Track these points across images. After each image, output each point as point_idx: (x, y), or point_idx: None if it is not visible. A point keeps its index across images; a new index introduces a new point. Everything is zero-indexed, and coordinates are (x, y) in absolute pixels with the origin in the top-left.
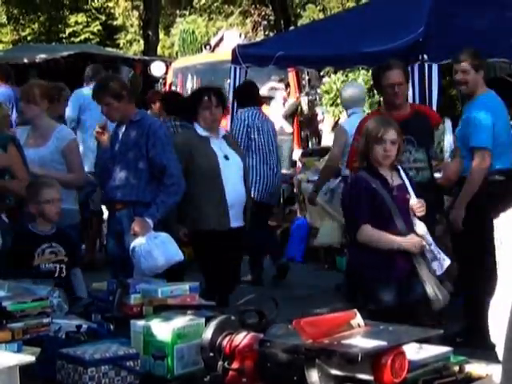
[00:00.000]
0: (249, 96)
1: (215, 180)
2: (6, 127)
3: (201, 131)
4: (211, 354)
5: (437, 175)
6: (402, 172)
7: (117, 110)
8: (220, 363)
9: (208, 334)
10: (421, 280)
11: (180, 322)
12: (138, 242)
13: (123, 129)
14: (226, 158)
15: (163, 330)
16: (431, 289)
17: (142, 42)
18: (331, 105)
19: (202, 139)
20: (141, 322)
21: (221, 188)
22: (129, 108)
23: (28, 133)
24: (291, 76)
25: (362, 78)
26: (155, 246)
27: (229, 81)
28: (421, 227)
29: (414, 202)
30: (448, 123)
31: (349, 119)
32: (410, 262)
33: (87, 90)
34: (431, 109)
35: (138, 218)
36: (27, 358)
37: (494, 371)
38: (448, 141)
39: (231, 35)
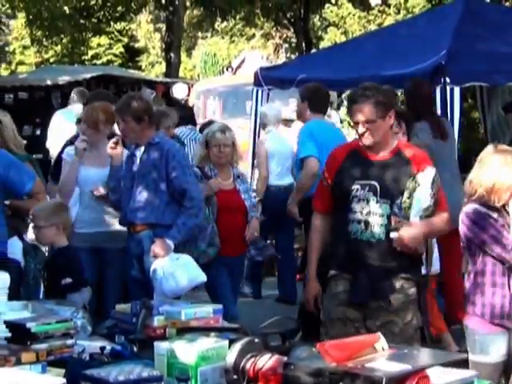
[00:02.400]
0: None
1: None
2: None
3: None
4: (235, 377)
5: (393, 235)
6: None
7: (133, 131)
8: None
9: (232, 356)
10: None
11: (204, 344)
12: (159, 264)
13: (141, 150)
14: None
15: (187, 352)
16: None
17: (163, 64)
18: (352, 127)
19: None
20: (164, 344)
21: None
22: (147, 132)
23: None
24: None
25: None
26: (177, 268)
27: (250, 103)
28: None
29: None
30: (430, 173)
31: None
32: None
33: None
34: (422, 152)
35: (158, 239)
36: (56, 380)
37: None
38: (420, 196)
39: (253, 57)
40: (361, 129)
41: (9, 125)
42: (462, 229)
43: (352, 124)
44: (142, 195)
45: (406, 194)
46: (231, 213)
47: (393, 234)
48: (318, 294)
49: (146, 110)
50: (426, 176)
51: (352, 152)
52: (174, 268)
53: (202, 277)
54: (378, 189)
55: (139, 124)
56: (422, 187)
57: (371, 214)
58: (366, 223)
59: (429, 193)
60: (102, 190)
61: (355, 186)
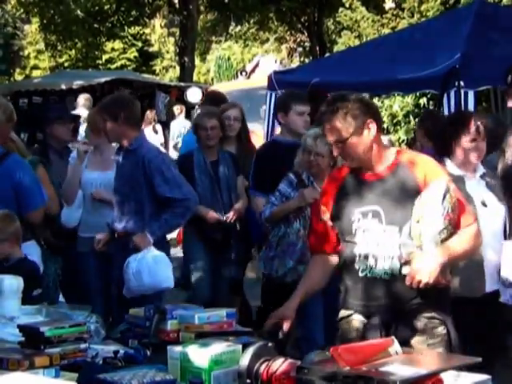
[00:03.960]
0: None
1: None
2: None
3: (454, 169)
4: (248, 381)
5: (405, 270)
6: None
7: (112, 131)
8: None
9: (245, 360)
10: None
11: (217, 348)
12: (133, 258)
13: (120, 158)
14: (484, 204)
15: (200, 356)
16: None
17: (177, 68)
18: None
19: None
20: (178, 348)
21: None
22: (128, 132)
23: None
24: None
25: (397, 104)
26: (147, 268)
27: (264, 107)
28: None
29: None
30: (438, 187)
31: None
32: None
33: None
34: (427, 160)
35: (139, 233)
36: None
37: None
38: (430, 219)
39: (267, 61)
40: (335, 150)
41: (17, 139)
42: None
43: None
44: (124, 205)
45: (414, 218)
46: None
47: (405, 270)
48: (286, 319)
49: (123, 108)
50: (434, 191)
51: (347, 175)
52: (144, 268)
53: (168, 282)
54: (382, 214)
55: (116, 122)
56: (431, 207)
57: (379, 245)
58: (375, 257)
59: (440, 213)
60: (102, 194)
61: (355, 217)
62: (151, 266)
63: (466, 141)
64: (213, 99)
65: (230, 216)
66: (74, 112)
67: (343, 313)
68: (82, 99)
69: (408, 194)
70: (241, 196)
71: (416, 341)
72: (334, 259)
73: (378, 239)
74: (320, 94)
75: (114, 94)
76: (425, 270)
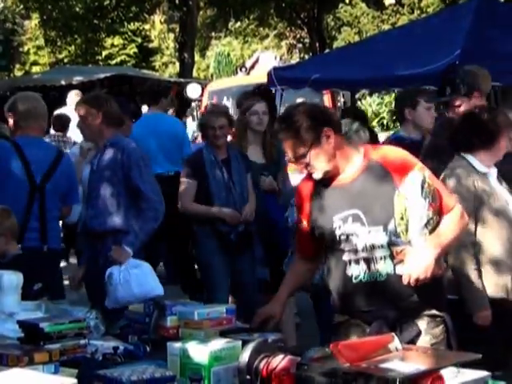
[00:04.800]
0: None
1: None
2: None
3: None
4: (248, 377)
5: (399, 269)
6: None
7: (87, 128)
8: None
9: (245, 356)
10: None
11: (217, 344)
12: (116, 270)
13: (97, 158)
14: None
15: (200, 352)
16: None
17: (177, 64)
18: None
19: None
20: (177, 344)
21: None
22: (105, 132)
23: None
24: (326, 98)
25: None
26: (135, 276)
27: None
28: None
29: None
30: (415, 178)
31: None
32: None
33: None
34: (396, 151)
35: (115, 246)
36: (69, 380)
37: None
38: (414, 213)
39: (266, 58)
40: (299, 166)
41: None
42: None
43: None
44: (100, 200)
45: (397, 216)
46: None
47: (399, 269)
48: (274, 316)
49: (100, 107)
50: (411, 185)
51: (317, 184)
52: (132, 277)
53: (158, 290)
54: (363, 216)
55: (94, 121)
56: (413, 201)
57: (368, 248)
58: (367, 260)
59: (422, 204)
60: None
61: (336, 224)
62: (139, 276)
63: None
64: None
65: (248, 215)
66: (65, 108)
67: (339, 317)
68: (73, 95)
69: (384, 190)
70: (250, 195)
71: (421, 343)
72: (317, 260)
73: (364, 242)
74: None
75: (95, 92)
76: (421, 266)
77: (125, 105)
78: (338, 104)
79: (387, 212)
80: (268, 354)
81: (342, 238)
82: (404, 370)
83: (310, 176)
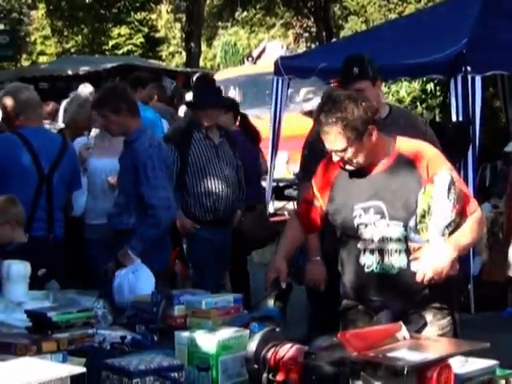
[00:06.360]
0: None
1: None
2: None
3: None
4: (255, 366)
5: (414, 266)
6: None
7: (115, 125)
8: (264, 375)
9: (252, 345)
10: None
11: (224, 333)
12: (119, 272)
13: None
14: None
15: (207, 341)
16: None
17: (184, 53)
18: None
19: None
20: (185, 334)
21: None
22: (131, 123)
23: (94, 141)
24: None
25: (404, 89)
26: (127, 283)
27: (268, 92)
28: None
29: None
30: (443, 178)
31: None
32: None
33: None
34: (427, 148)
35: (123, 249)
36: (77, 369)
37: None
38: (438, 212)
39: (273, 47)
40: (334, 157)
41: None
42: None
43: None
44: (118, 199)
45: (419, 213)
46: None
47: (414, 266)
48: (281, 271)
49: (123, 99)
50: (439, 185)
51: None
52: (125, 282)
53: None
54: (385, 209)
55: (119, 115)
56: (438, 200)
57: (384, 240)
58: (381, 252)
59: (447, 205)
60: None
61: (356, 212)
62: (131, 281)
63: None
64: None
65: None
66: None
67: (347, 303)
68: (83, 87)
69: (410, 187)
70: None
71: (426, 334)
72: (316, 230)
73: (382, 234)
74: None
75: (107, 85)
76: (437, 266)
77: None
78: None
79: (410, 208)
80: (276, 343)
81: (361, 226)
82: (412, 358)
83: (329, 164)
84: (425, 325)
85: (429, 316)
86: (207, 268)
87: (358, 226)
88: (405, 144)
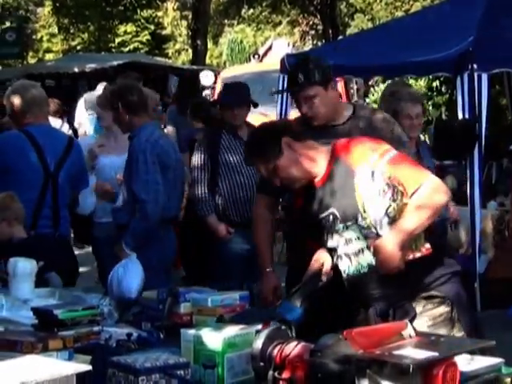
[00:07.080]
0: None
1: None
2: None
3: None
4: (261, 364)
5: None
6: None
7: (120, 122)
8: (270, 373)
9: (258, 343)
10: None
11: (230, 331)
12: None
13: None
14: None
15: (213, 339)
16: None
17: (190, 51)
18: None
19: None
20: (191, 331)
21: None
22: (135, 120)
23: (97, 139)
24: (340, 85)
25: None
26: (116, 277)
27: (274, 89)
28: None
29: None
30: (363, 171)
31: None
32: None
33: None
34: (357, 144)
35: (118, 243)
36: (83, 366)
37: None
38: (370, 203)
39: (279, 45)
40: (275, 181)
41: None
42: None
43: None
44: (123, 194)
45: (361, 209)
46: None
47: (375, 260)
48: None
49: (119, 96)
50: (361, 176)
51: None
52: (115, 276)
53: (131, 294)
54: (337, 214)
55: (126, 113)
56: (365, 194)
57: (347, 242)
58: (348, 256)
59: (376, 194)
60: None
61: (322, 223)
62: (120, 276)
63: None
64: None
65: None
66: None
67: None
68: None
69: (348, 186)
70: None
71: (416, 325)
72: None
73: (344, 238)
74: None
75: (118, 81)
76: (385, 258)
77: None
78: (351, 91)
79: (354, 206)
80: (281, 340)
81: (328, 236)
82: (417, 356)
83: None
84: (413, 318)
85: (418, 307)
86: (235, 274)
87: (326, 236)
88: (341, 145)
